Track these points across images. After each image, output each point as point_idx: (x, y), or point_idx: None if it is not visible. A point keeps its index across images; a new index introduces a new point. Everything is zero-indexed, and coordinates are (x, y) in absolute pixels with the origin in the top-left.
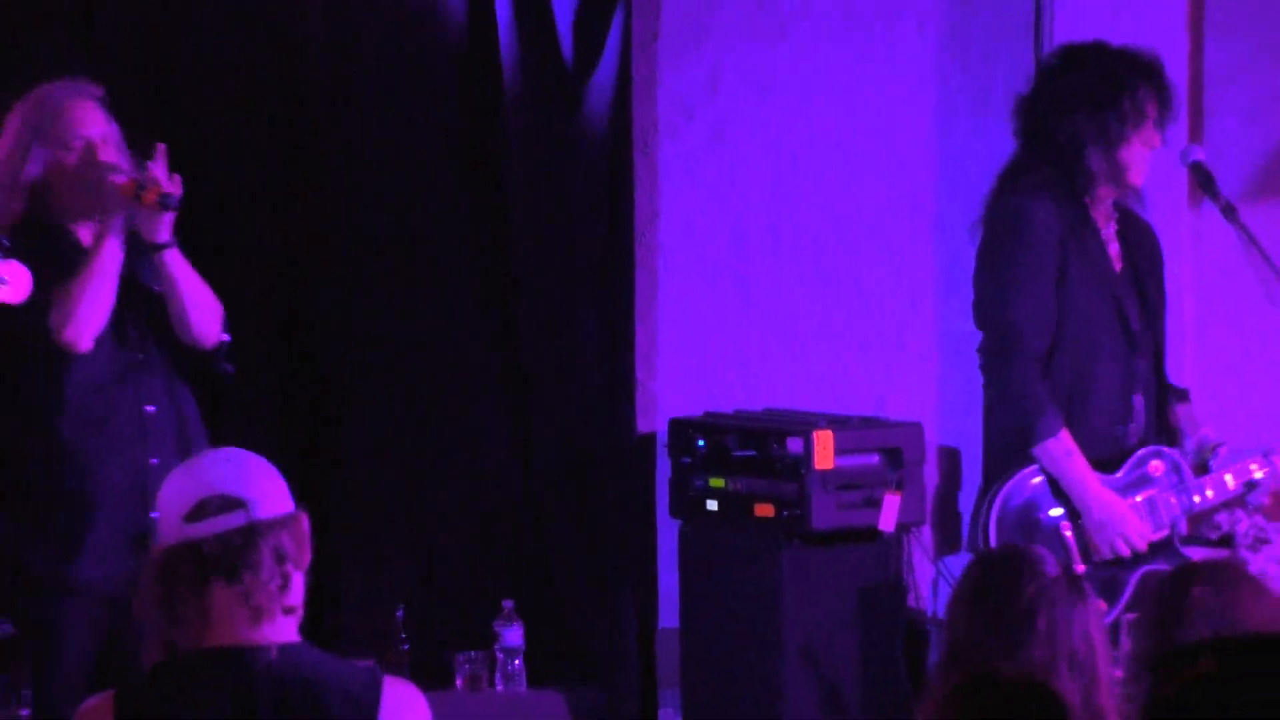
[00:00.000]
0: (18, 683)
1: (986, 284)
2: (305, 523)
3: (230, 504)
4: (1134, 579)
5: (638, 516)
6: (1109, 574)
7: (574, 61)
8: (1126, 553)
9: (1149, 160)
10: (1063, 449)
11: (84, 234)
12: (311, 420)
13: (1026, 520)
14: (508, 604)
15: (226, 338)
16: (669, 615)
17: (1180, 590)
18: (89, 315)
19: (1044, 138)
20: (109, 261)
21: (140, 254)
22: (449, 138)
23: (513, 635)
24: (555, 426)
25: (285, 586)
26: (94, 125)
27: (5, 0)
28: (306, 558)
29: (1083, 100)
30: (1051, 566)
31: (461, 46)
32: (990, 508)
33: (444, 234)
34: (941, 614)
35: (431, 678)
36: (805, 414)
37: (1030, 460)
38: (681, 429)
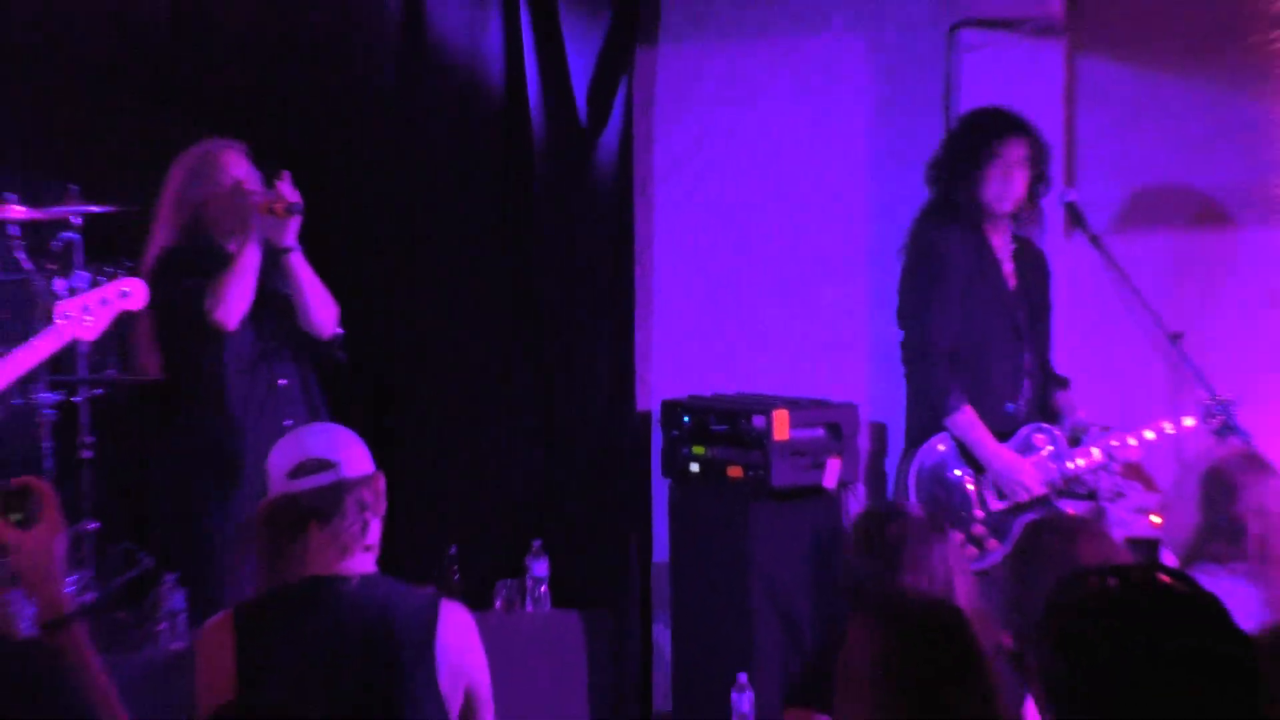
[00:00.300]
0: (152, 612)
1: (907, 297)
2: (382, 481)
3: (324, 465)
4: (1018, 524)
5: (637, 476)
6: (1000, 520)
7: (588, 121)
8: (1024, 497)
9: (1012, 193)
10: (967, 419)
11: (232, 248)
12: (382, 407)
13: (938, 477)
14: (536, 543)
15: (340, 331)
16: (661, 553)
17: (1033, 538)
18: (235, 301)
19: (947, 181)
20: (249, 260)
21: (273, 264)
22: (491, 179)
23: (540, 567)
24: (574, 407)
25: (365, 530)
26: (240, 168)
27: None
28: (382, 508)
29: (959, 148)
30: (914, 511)
31: (501, 108)
32: (909, 467)
33: (486, 257)
34: None
35: (476, 601)
36: (767, 396)
37: (939, 430)
38: (671, 408)
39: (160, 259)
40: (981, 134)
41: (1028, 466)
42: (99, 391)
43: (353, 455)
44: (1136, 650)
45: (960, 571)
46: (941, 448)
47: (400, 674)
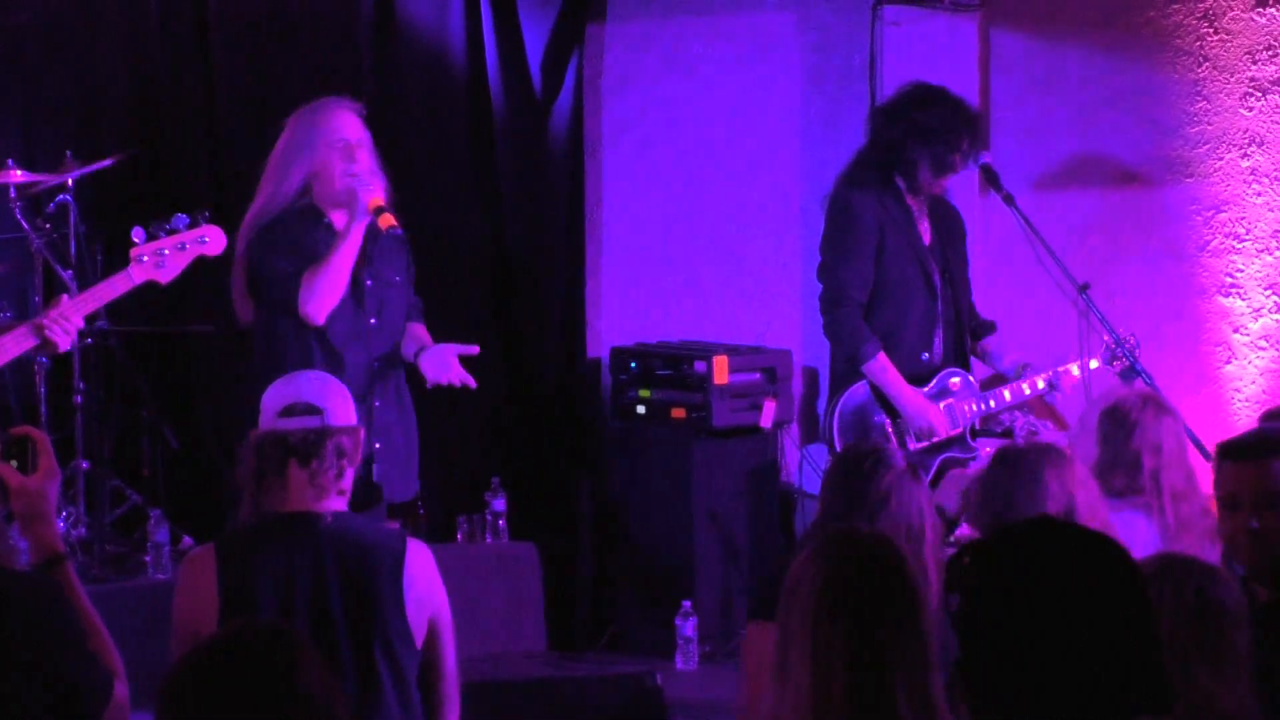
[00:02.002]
0: (140, 545)
1: (826, 252)
2: (361, 434)
3: (312, 410)
4: (936, 463)
5: (589, 418)
6: (920, 459)
7: (542, 93)
8: (933, 439)
9: (947, 184)
10: (880, 366)
11: (336, 219)
12: None
13: (860, 420)
14: (495, 480)
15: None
16: (612, 489)
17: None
18: (328, 297)
19: (884, 147)
20: (347, 255)
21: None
22: (458, 147)
23: (499, 503)
24: (531, 355)
25: (340, 475)
26: (352, 130)
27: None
28: (358, 458)
29: (930, 132)
30: (899, 460)
31: (465, 83)
32: (833, 412)
33: (455, 217)
34: (806, 487)
35: (440, 534)
36: (708, 344)
37: (860, 377)
38: (619, 355)
39: (260, 226)
40: (952, 125)
41: (935, 410)
42: (90, 341)
43: (339, 405)
44: (1028, 583)
45: (930, 520)
46: (865, 392)
47: (376, 603)
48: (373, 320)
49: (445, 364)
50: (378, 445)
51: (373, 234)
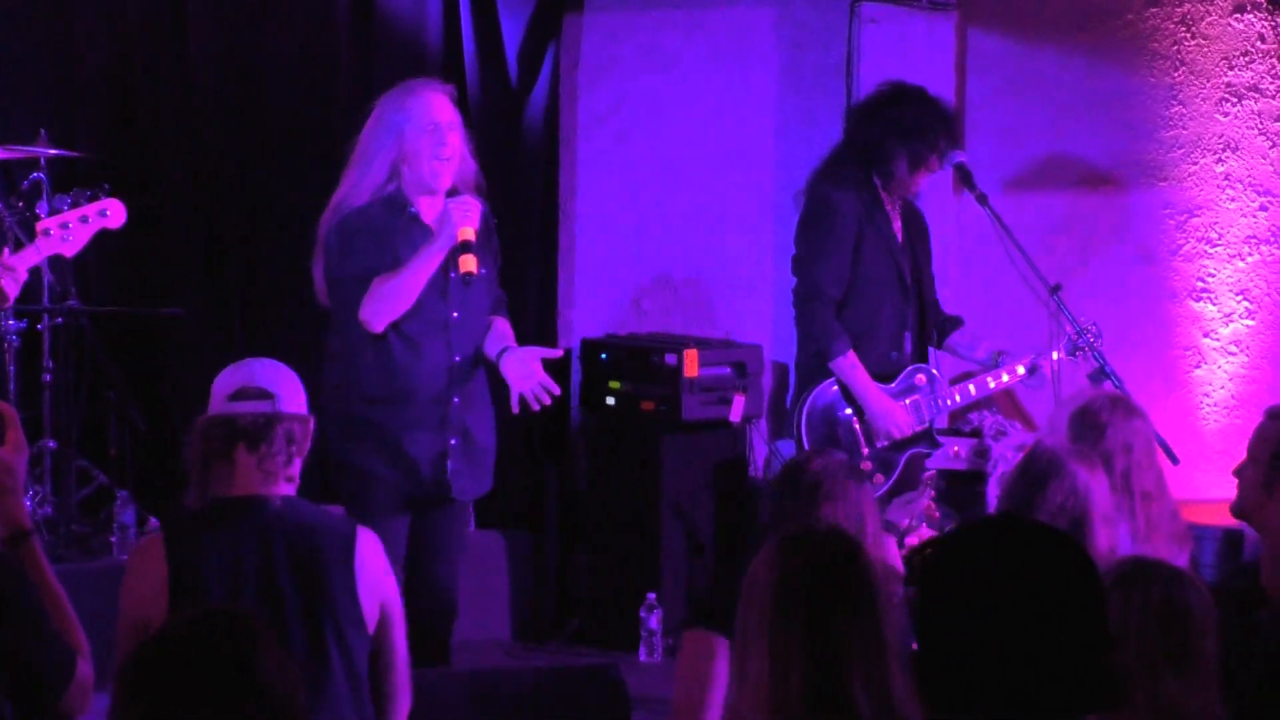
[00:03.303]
0: (106, 525)
1: (801, 248)
2: (312, 424)
3: (263, 394)
4: (903, 459)
5: (558, 409)
6: (886, 456)
7: (518, 83)
8: (896, 437)
9: (920, 187)
10: (849, 364)
11: (422, 206)
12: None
13: (828, 417)
14: None
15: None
16: (579, 480)
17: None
18: (384, 311)
19: (861, 145)
20: (417, 278)
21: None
22: None
23: None
24: None
25: (289, 461)
26: (443, 113)
27: None
28: (306, 447)
29: (908, 130)
30: (838, 459)
31: (441, 72)
32: (801, 408)
33: None
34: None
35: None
36: (679, 336)
37: (829, 375)
38: (590, 346)
39: (341, 214)
40: (929, 122)
41: (898, 409)
42: (60, 321)
43: (291, 392)
44: (984, 577)
45: (871, 517)
46: (834, 389)
47: (327, 587)
48: (455, 314)
49: (528, 371)
50: (453, 442)
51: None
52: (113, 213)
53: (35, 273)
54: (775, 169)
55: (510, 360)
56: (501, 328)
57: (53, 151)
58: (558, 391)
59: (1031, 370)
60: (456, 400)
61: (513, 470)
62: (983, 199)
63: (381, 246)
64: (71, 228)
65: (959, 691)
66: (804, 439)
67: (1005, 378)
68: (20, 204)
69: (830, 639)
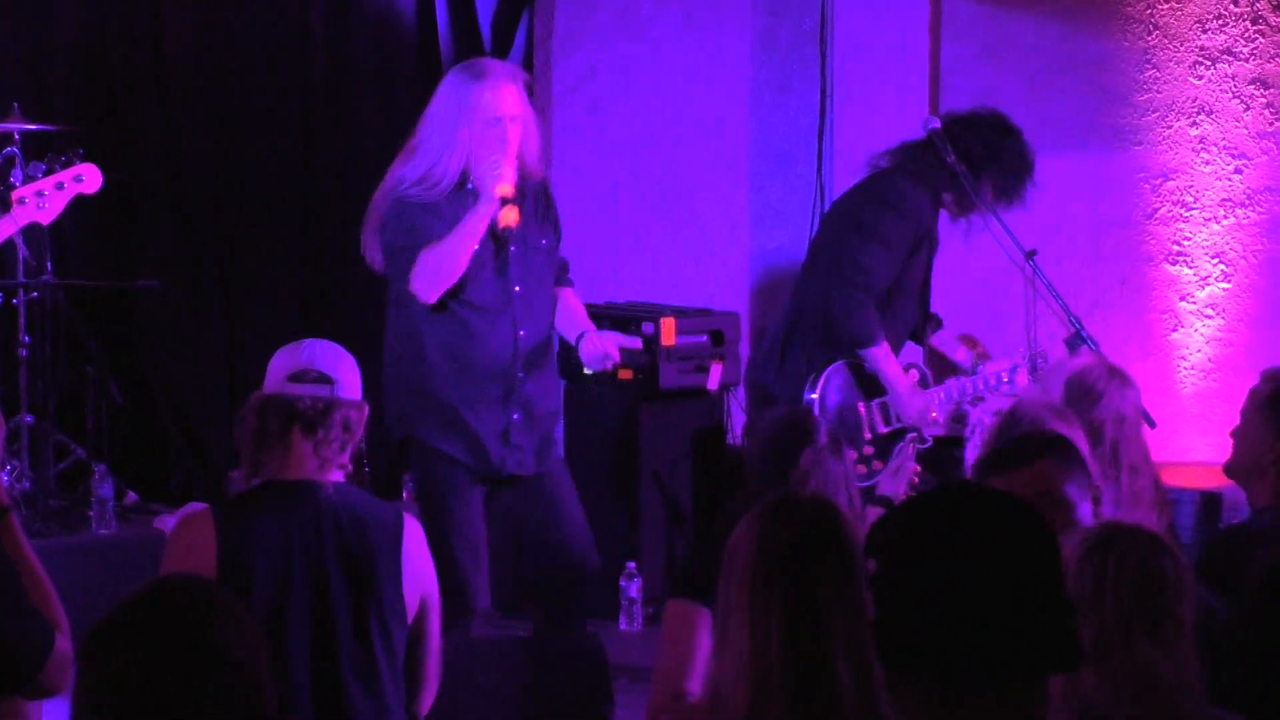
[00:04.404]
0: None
1: (859, 231)
2: (367, 410)
3: (324, 379)
4: (896, 448)
5: None
6: (885, 443)
7: (492, 52)
8: (936, 421)
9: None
10: (884, 353)
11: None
12: (313, 313)
13: (840, 400)
14: None
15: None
16: (560, 448)
17: None
18: (433, 279)
19: (959, 155)
20: (464, 243)
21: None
22: (409, 106)
23: None
24: None
25: (344, 448)
26: (506, 106)
27: None
28: (359, 434)
29: (1009, 162)
30: (821, 435)
31: (415, 42)
32: (815, 390)
33: None
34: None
35: (385, 492)
36: (656, 305)
37: (839, 358)
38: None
39: (399, 190)
40: (1028, 166)
41: (930, 397)
42: (36, 295)
43: (350, 378)
44: (942, 544)
45: (846, 488)
46: (843, 373)
47: (374, 576)
48: (517, 288)
49: (604, 354)
50: (515, 417)
51: (522, 195)
52: (88, 178)
53: (10, 247)
54: (750, 136)
55: (588, 346)
56: (571, 303)
57: (27, 126)
58: (629, 379)
59: (1032, 368)
60: (520, 374)
61: None
62: (956, 164)
63: (439, 221)
64: (48, 195)
65: (918, 656)
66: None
67: (992, 382)
68: None
69: (811, 608)
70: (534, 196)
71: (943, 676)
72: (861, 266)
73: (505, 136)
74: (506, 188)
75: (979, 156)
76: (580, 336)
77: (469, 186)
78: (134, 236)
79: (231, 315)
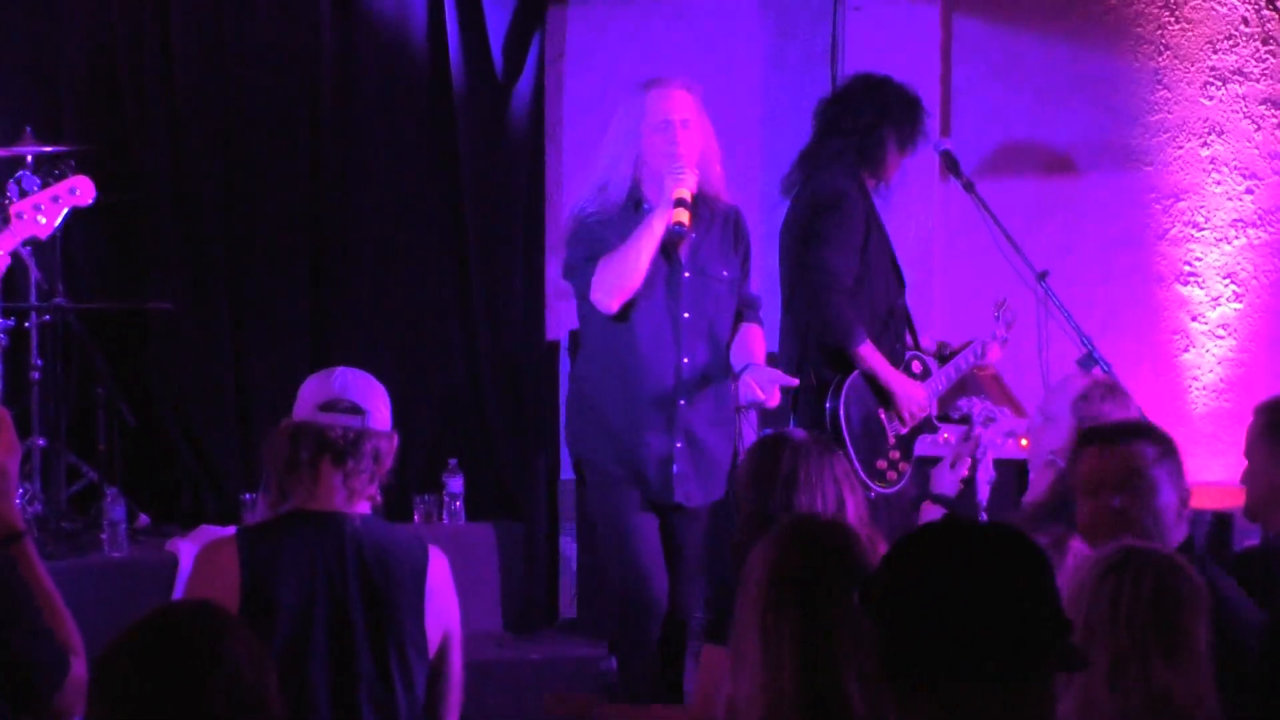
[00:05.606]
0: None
1: (808, 237)
2: (396, 440)
3: (355, 409)
4: (917, 445)
5: (546, 400)
6: (906, 443)
7: (503, 74)
8: (920, 417)
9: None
10: (869, 351)
11: (651, 205)
12: (320, 335)
13: (863, 412)
14: (453, 461)
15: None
16: (567, 471)
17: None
18: (612, 285)
19: (850, 131)
20: (641, 247)
21: (705, 233)
22: (418, 128)
23: (456, 484)
24: (489, 338)
25: (372, 480)
26: (676, 110)
27: None
28: (389, 465)
29: (893, 111)
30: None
31: (426, 65)
32: (839, 402)
33: (414, 197)
34: None
35: (396, 514)
36: None
37: (836, 364)
38: (578, 337)
39: (581, 215)
40: (915, 107)
41: (920, 390)
42: (48, 318)
43: (381, 408)
44: (936, 586)
45: (850, 490)
46: (859, 382)
47: (396, 611)
48: (686, 315)
49: (761, 392)
50: (678, 445)
51: (706, 222)
52: (82, 190)
53: (21, 270)
54: (761, 157)
55: (748, 378)
56: (751, 337)
57: (40, 149)
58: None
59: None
60: (682, 402)
61: (503, 462)
62: (969, 186)
63: (617, 236)
64: (44, 208)
65: (923, 678)
66: (844, 435)
67: (963, 366)
68: (5, 202)
69: (823, 629)
70: (722, 223)
71: (948, 680)
72: (823, 271)
73: (674, 139)
74: (685, 192)
75: (868, 123)
76: (744, 369)
77: (645, 206)
78: (144, 258)
79: (242, 337)
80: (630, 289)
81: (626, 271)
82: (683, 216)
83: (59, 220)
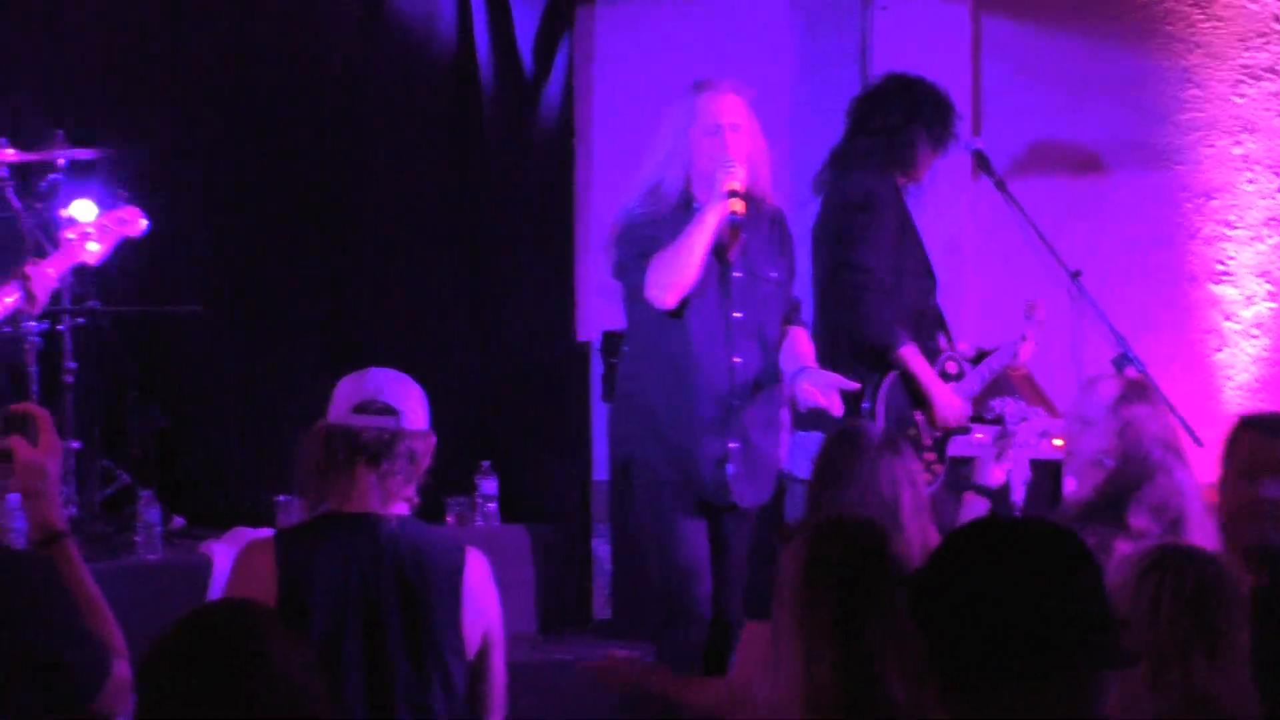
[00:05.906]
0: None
1: (843, 236)
2: (433, 440)
3: (389, 410)
4: (950, 446)
5: (578, 401)
6: (941, 444)
7: (532, 76)
8: (953, 424)
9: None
10: (912, 353)
11: (701, 205)
12: (342, 337)
13: (899, 415)
14: (485, 463)
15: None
16: (601, 472)
17: None
18: (667, 279)
19: (881, 130)
20: (695, 241)
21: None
22: (446, 130)
23: (489, 485)
24: (521, 338)
25: (408, 481)
26: (726, 114)
27: None
28: (425, 465)
29: (925, 111)
30: (868, 431)
31: (454, 65)
32: (876, 396)
33: (438, 200)
34: (795, 472)
35: (429, 516)
36: None
37: (872, 363)
38: (611, 338)
39: (630, 218)
40: (946, 108)
41: (959, 399)
42: (81, 321)
43: (415, 409)
44: (983, 584)
45: (907, 487)
46: (896, 382)
47: (431, 614)
48: (737, 314)
49: (817, 394)
50: (732, 445)
51: (754, 224)
52: (130, 220)
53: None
54: (791, 157)
55: (806, 384)
56: (798, 340)
57: (72, 152)
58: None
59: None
60: (736, 402)
61: (536, 464)
62: (1001, 185)
63: (668, 236)
64: (94, 235)
65: (971, 677)
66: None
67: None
68: (39, 205)
69: (859, 627)
70: (769, 225)
71: (997, 678)
72: (861, 270)
73: (725, 143)
74: (735, 184)
75: (898, 123)
76: (799, 372)
77: (695, 206)
78: (175, 260)
79: (273, 336)
80: (687, 284)
81: (682, 265)
82: (737, 206)
83: (110, 250)
